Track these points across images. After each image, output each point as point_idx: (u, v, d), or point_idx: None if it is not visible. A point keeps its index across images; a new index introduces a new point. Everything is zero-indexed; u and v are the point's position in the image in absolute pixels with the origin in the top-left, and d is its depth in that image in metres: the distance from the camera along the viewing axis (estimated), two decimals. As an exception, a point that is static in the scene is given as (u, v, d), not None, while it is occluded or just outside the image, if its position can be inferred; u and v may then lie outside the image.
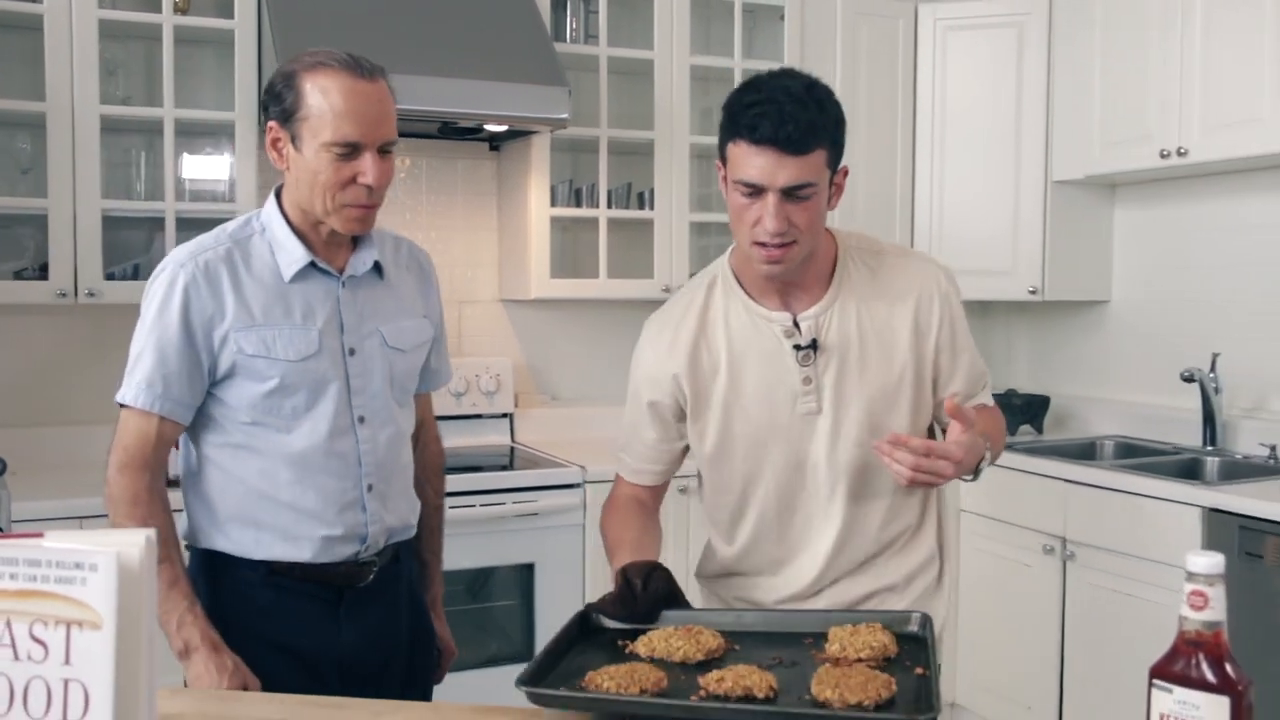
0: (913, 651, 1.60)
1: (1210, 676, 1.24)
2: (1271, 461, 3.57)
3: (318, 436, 1.84)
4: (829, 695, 1.41)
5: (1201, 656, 1.25)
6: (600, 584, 3.62)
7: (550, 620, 3.56)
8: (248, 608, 1.83)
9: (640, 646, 1.61)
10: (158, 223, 3.43)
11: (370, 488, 1.89)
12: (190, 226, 3.15)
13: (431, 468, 2.17)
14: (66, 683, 0.98)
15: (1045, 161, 4.12)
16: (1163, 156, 3.61)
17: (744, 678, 1.44)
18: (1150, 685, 1.29)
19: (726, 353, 1.87)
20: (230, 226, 1.90)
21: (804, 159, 1.70)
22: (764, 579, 1.95)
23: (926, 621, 1.68)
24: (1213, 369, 3.76)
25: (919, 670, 1.54)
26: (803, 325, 1.85)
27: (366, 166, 1.77)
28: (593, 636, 1.69)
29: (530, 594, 3.56)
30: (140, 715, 0.99)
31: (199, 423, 1.87)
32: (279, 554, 1.85)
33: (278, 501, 1.84)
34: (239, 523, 1.85)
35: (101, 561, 0.97)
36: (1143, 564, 3.29)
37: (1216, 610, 1.25)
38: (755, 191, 1.72)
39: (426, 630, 2.10)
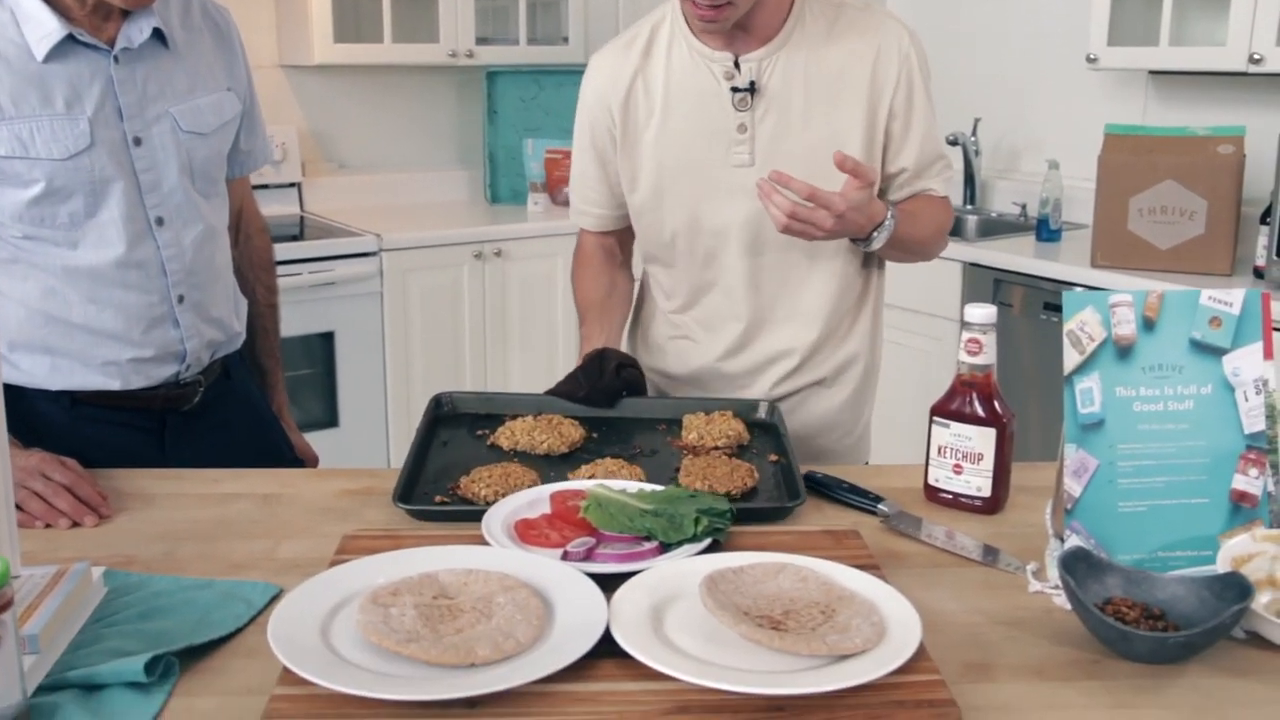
0: (765, 439, 1.65)
1: (981, 412, 1.44)
2: (1022, 219, 3.90)
3: (108, 247, 1.57)
4: (699, 486, 1.44)
5: (974, 395, 1.44)
6: (400, 350, 3.70)
7: (351, 387, 3.63)
8: (54, 446, 1.52)
9: (501, 439, 1.60)
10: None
11: (181, 299, 1.64)
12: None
13: (259, 263, 1.95)
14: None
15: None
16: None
17: (614, 474, 1.45)
18: (931, 422, 1.48)
19: (663, 92, 1.73)
20: None
21: None
22: (688, 343, 1.86)
23: (774, 409, 1.71)
24: (974, 133, 4.03)
25: (773, 458, 1.58)
26: (743, 67, 1.68)
27: None
28: (449, 424, 1.68)
29: (331, 362, 3.60)
30: None
31: None
32: (80, 382, 1.62)
33: (70, 324, 1.58)
34: (26, 350, 1.60)
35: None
36: (912, 316, 3.58)
37: (988, 355, 1.44)
38: None
39: (276, 445, 1.90)
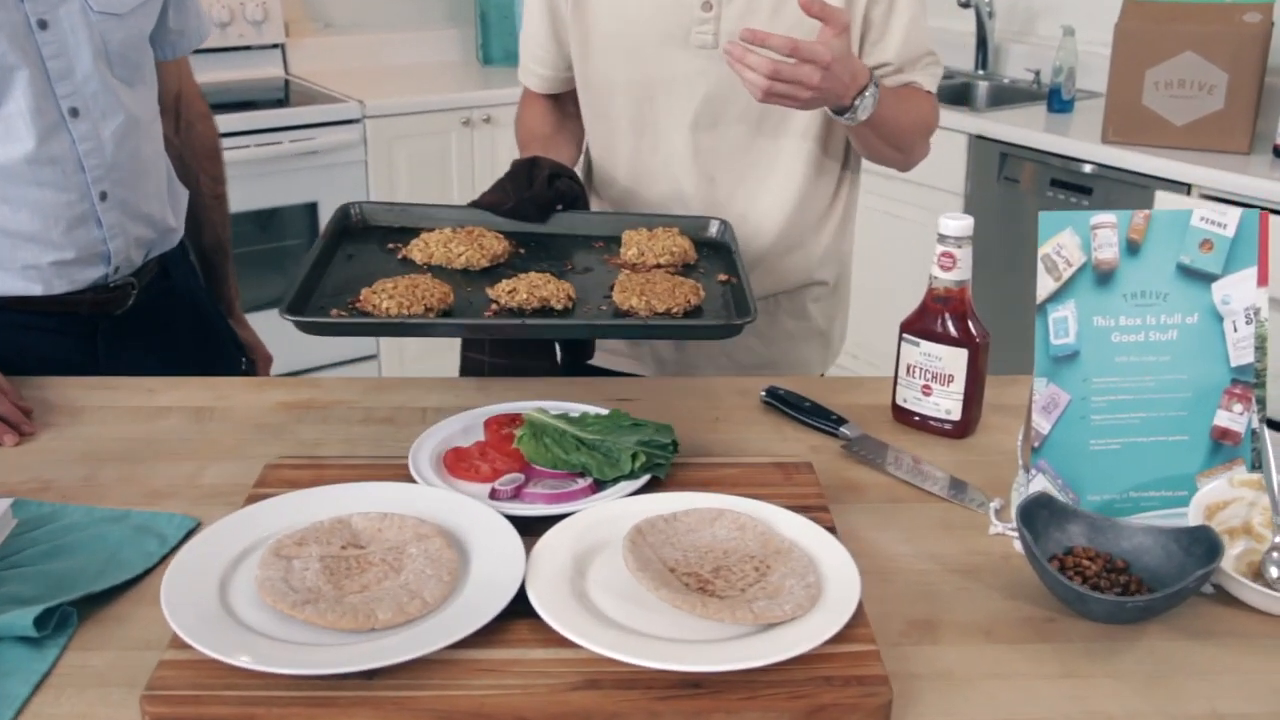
0: (714, 259, 1.51)
1: (953, 331, 1.34)
2: (1035, 86, 3.72)
3: (16, 142, 1.44)
4: (634, 303, 1.31)
5: (947, 314, 1.34)
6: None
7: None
8: None
9: (415, 252, 1.45)
10: None
11: (104, 196, 1.52)
12: None
13: (202, 151, 1.82)
14: None
15: None
16: None
17: (539, 288, 1.32)
18: (900, 339, 1.39)
19: None
20: None
21: None
22: None
23: (727, 228, 1.56)
24: (989, -8, 3.82)
25: (723, 277, 1.45)
26: None
27: None
28: (358, 238, 1.52)
29: (315, 233, 3.50)
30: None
31: None
32: None
33: None
34: None
35: None
36: (914, 188, 3.44)
37: (963, 270, 1.33)
38: None
39: (223, 347, 1.81)
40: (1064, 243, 1.18)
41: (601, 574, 1.02)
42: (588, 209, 1.62)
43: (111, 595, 1.06)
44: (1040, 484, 1.18)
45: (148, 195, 1.60)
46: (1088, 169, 3.06)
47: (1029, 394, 1.23)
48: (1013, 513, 1.21)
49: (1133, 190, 2.94)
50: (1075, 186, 3.11)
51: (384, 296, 1.28)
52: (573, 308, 1.34)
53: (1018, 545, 1.15)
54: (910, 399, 1.39)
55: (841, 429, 1.37)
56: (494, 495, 1.14)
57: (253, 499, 1.14)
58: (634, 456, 1.16)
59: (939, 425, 1.38)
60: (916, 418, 1.39)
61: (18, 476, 1.26)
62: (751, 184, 1.65)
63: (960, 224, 1.32)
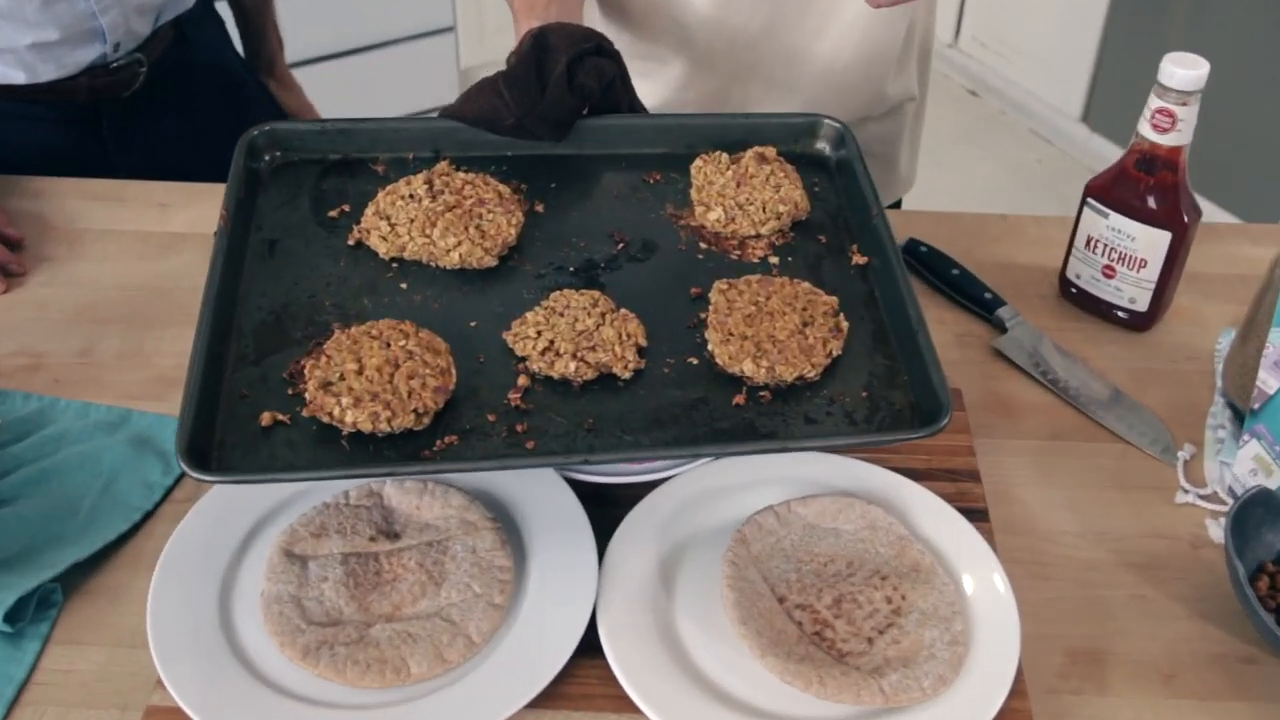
0: (826, 195, 1.02)
1: (1155, 205, 1.04)
2: None
3: None
4: (747, 369, 0.84)
5: (1152, 184, 1.04)
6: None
7: None
8: None
9: (373, 237, 0.93)
10: None
11: None
12: None
13: None
14: None
15: None
16: None
17: (587, 336, 0.84)
18: (1083, 203, 1.09)
19: None
20: None
21: None
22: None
23: (846, 135, 1.05)
24: None
25: (859, 259, 0.96)
26: None
27: None
28: (279, 195, 0.99)
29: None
30: None
31: None
32: None
33: None
34: None
35: None
36: None
37: (1184, 132, 1.01)
38: None
39: (262, 118, 1.53)
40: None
41: (693, 593, 0.81)
42: (626, 84, 1.05)
43: (103, 554, 0.88)
44: (1253, 454, 0.93)
45: None
46: None
47: (1250, 313, 0.96)
48: (1207, 468, 0.97)
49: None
50: None
51: (344, 393, 0.78)
52: (644, 370, 0.85)
53: (1212, 532, 0.92)
54: (1085, 277, 1.12)
55: (998, 311, 1.11)
56: (561, 444, 0.91)
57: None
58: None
59: (1117, 315, 1.11)
60: (1089, 299, 1.12)
61: (4, 346, 1.06)
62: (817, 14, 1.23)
63: (1190, 74, 0.98)
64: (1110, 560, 0.90)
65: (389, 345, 0.81)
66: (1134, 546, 0.91)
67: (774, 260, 0.96)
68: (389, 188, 0.97)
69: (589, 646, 0.78)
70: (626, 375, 0.84)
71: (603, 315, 0.86)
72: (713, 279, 0.92)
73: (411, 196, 0.95)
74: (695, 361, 0.86)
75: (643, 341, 0.86)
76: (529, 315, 0.87)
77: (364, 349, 0.81)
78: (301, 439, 0.78)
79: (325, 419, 0.77)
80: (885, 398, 0.85)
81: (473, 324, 0.88)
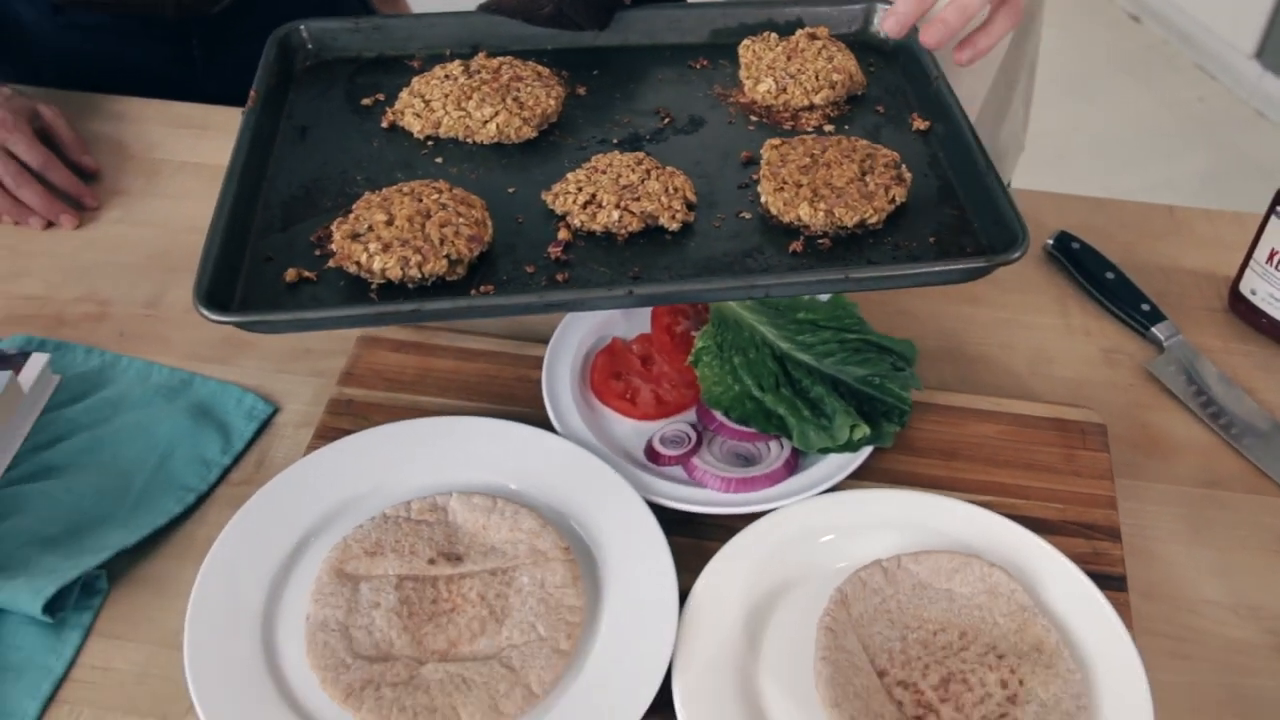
0: (885, 73, 0.96)
1: (1357, 222, 0.90)
2: None
3: None
4: (804, 214, 0.78)
5: (1357, 199, 0.89)
6: None
7: None
8: (41, 68, 1.14)
9: (408, 116, 0.89)
10: None
11: None
12: None
13: None
14: None
15: None
16: None
17: (632, 189, 0.79)
18: (1271, 211, 0.95)
19: None
20: None
21: None
22: None
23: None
24: None
25: (920, 124, 0.89)
26: None
27: None
28: (313, 89, 0.95)
29: None
30: None
31: None
32: None
33: None
34: None
35: None
36: None
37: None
38: None
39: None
40: None
41: (782, 652, 0.72)
42: None
43: (151, 538, 0.82)
44: None
45: None
46: None
47: None
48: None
49: None
50: None
51: (373, 243, 0.73)
52: (694, 222, 0.80)
53: (1390, 619, 0.80)
54: (1263, 294, 0.98)
55: (1154, 329, 0.98)
56: (654, 457, 0.83)
57: (325, 431, 0.86)
58: (853, 427, 0.81)
59: (1295, 339, 0.97)
60: (1264, 319, 0.98)
61: (70, 291, 1.01)
62: None
63: None
64: (1266, 643, 0.79)
65: (421, 200, 0.76)
66: (1295, 637, 0.80)
67: (829, 129, 0.90)
68: (424, 75, 0.93)
69: (660, 703, 0.70)
70: (674, 227, 0.79)
71: (648, 171, 0.81)
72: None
73: (447, 77, 0.91)
74: (748, 216, 0.81)
75: (691, 196, 0.81)
76: (569, 175, 0.82)
77: (395, 204, 0.76)
78: (328, 295, 0.75)
79: (353, 269, 0.74)
80: (955, 243, 0.79)
81: (511, 190, 0.84)
